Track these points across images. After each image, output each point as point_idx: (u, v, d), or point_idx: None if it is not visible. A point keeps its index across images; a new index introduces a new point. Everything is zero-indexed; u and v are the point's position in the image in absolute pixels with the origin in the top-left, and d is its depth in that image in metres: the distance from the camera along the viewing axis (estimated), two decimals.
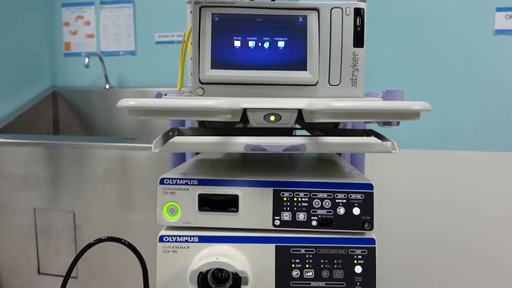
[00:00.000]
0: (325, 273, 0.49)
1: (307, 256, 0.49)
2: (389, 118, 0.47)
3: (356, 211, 0.49)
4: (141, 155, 1.34)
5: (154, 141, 0.48)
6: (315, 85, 0.53)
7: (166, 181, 0.50)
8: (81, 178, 1.40)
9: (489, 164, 1.45)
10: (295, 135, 0.66)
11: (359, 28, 0.53)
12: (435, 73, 1.48)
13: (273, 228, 0.50)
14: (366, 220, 0.49)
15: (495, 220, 1.45)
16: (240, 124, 0.76)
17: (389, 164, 1.48)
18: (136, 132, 1.98)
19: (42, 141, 1.46)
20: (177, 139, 0.48)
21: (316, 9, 0.52)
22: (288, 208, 0.50)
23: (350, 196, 0.50)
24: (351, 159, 0.84)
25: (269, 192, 0.50)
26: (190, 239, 0.50)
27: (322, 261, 0.49)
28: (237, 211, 0.50)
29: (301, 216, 0.50)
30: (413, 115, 0.45)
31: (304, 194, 0.50)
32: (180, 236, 0.50)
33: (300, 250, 0.49)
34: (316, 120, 0.46)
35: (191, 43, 0.62)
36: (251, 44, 0.52)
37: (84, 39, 2.07)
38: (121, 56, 2.03)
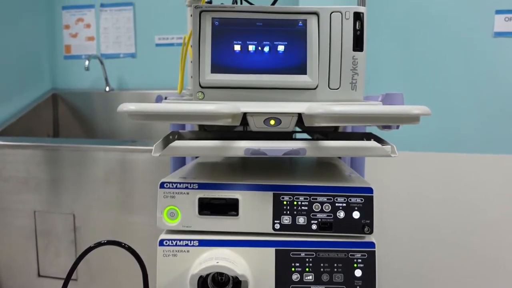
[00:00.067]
0: (325, 277, 0.49)
1: (307, 259, 0.49)
2: (389, 122, 0.47)
3: (356, 214, 0.50)
4: (141, 158, 1.34)
5: (154, 145, 0.49)
6: (315, 89, 0.53)
7: (166, 185, 0.50)
8: (81, 181, 1.40)
9: (488, 166, 1.45)
10: (295, 138, 0.66)
11: (358, 32, 0.53)
12: (434, 75, 1.48)
13: (273, 232, 0.50)
14: (366, 224, 0.49)
15: (494, 220, 1.45)
16: (240, 127, 0.76)
17: (389, 165, 1.48)
18: (136, 134, 1.98)
19: (42, 143, 1.47)
20: (177, 143, 0.48)
21: (315, 13, 0.53)
22: (288, 212, 0.50)
23: (350, 200, 0.50)
24: (351, 161, 0.84)
25: (269, 196, 0.50)
26: (190, 243, 0.50)
27: (322, 264, 0.49)
28: (237, 215, 0.50)
29: (301, 220, 0.50)
30: (413, 119, 0.46)
31: (304, 198, 0.50)
32: (180, 240, 0.50)
33: (300, 254, 0.49)
34: (316, 124, 0.46)
35: (191, 46, 0.63)
36: (251, 48, 0.52)
37: (84, 41, 2.07)
38: (121, 59, 2.03)
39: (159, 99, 0.76)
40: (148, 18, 1.99)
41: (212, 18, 0.52)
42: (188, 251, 0.49)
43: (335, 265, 0.49)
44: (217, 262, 0.47)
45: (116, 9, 2.01)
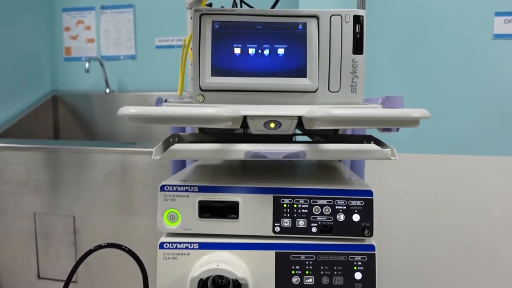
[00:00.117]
0: (325, 280, 0.49)
1: (307, 262, 0.49)
2: (389, 125, 0.47)
3: (356, 217, 0.50)
4: (141, 160, 1.34)
5: (154, 148, 0.49)
6: (314, 92, 0.53)
7: (167, 188, 0.50)
8: (81, 183, 1.40)
9: (489, 168, 1.46)
10: (295, 141, 0.66)
11: (358, 35, 0.53)
12: (434, 77, 1.48)
13: (273, 234, 0.50)
14: (366, 227, 0.49)
15: (495, 222, 1.46)
16: (240, 130, 0.77)
17: (389, 166, 1.48)
18: (136, 136, 1.99)
19: (42, 145, 1.47)
20: (177, 146, 0.48)
21: (315, 17, 0.53)
22: (288, 215, 0.50)
23: (350, 202, 0.50)
24: (351, 164, 0.84)
25: (269, 198, 0.50)
26: (190, 245, 0.50)
27: (322, 267, 0.49)
28: (237, 217, 0.50)
29: (301, 223, 0.50)
30: (413, 122, 0.46)
31: (304, 201, 0.50)
32: (180, 243, 0.50)
33: (300, 257, 0.49)
34: (316, 127, 0.46)
35: (191, 49, 0.63)
36: (251, 51, 0.53)
37: (85, 43, 2.07)
38: (122, 61, 2.04)
39: (159, 101, 0.76)
40: (148, 20, 2.00)
41: (212, 21, 0.52)
42: (188, 254, 0.50)
43: (335, 268, 0.49)
44: (217, 265, 0.47)
45: (117, 11, 2.01)
